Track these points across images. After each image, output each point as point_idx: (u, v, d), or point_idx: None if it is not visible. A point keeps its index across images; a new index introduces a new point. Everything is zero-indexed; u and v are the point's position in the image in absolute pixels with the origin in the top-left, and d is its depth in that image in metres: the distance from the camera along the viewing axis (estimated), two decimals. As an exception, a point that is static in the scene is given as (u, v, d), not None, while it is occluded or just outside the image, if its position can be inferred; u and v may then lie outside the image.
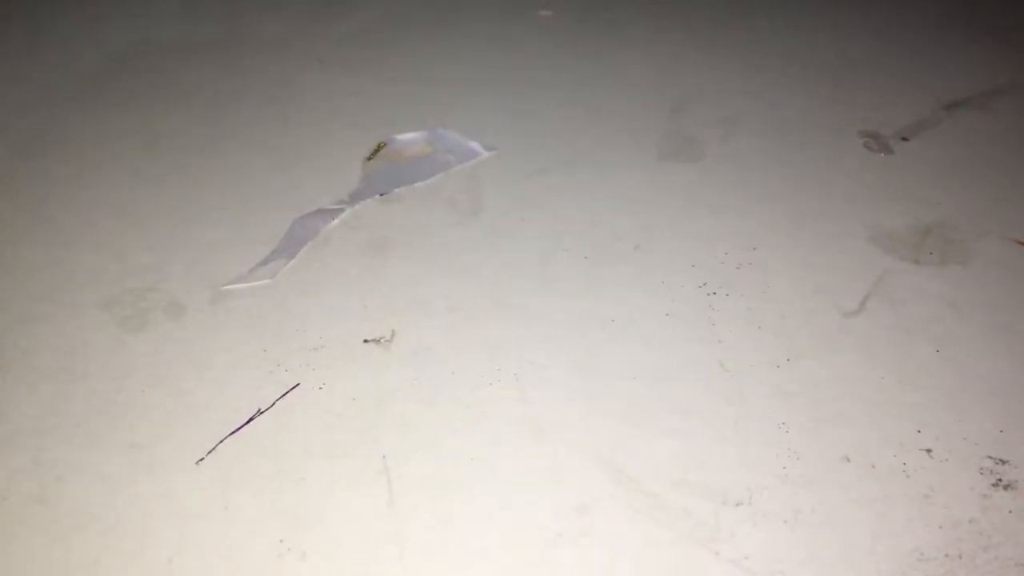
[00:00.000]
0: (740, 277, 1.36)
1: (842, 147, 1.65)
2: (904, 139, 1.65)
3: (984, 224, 1.45)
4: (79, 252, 1.42)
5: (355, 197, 1.53)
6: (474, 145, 1.66)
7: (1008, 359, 1.21)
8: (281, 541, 1.01)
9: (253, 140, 1.69)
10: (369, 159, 1.63)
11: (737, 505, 1.04)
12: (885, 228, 1.45)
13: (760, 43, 2.04)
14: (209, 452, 1.11)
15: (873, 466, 1.08)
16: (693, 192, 1.54)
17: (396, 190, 1.55)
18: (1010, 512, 1.02)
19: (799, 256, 1.40)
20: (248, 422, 1.14)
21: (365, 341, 1.26)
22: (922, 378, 1.19)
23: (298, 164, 1.62)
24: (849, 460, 1.09)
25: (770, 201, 1.52)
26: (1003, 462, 1.08)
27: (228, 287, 1.35)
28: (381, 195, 1.54)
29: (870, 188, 1.54)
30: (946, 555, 0.98)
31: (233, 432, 1.13)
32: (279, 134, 1.71)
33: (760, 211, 1.49)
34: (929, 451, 1.10)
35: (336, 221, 1.48)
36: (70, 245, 1.44)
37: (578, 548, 1.00)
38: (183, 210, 1.51)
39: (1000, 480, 1.06)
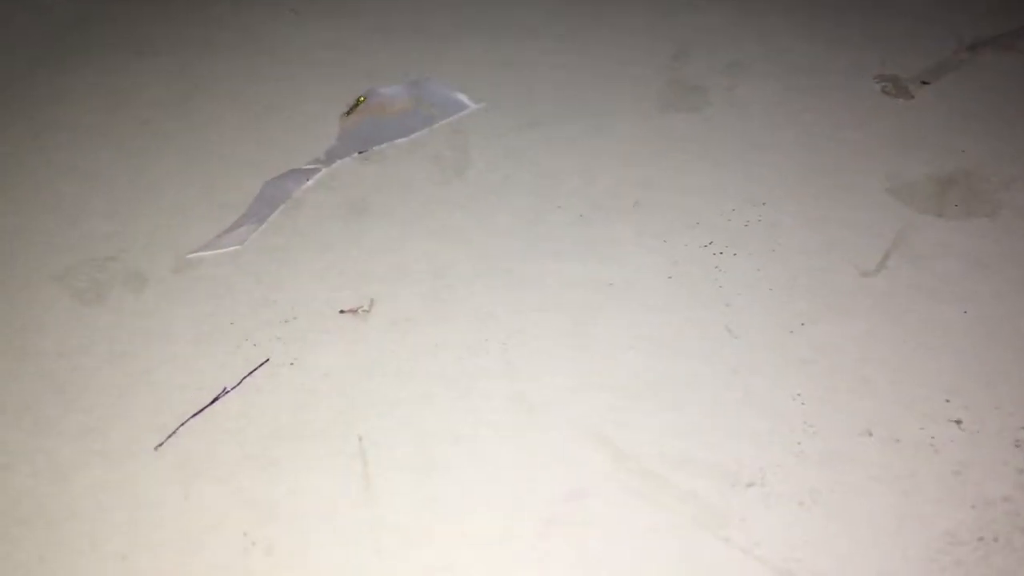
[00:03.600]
0: (748, 235, 1.25)
1: (857, 93, 1.53)
2: (924, 83, 1.54)
3: (1012, 172, 1.34)
4: (32, 219, 1.32)
5: (332, 156, 1.42)
6: (460, 97, 1.55)
7: (1043, 319, 1.11)
8: (245, 534, 0.93)
9: (222, 96, 1.57)
10: (347, 115, 1.52)
11: (748, 486, 0.95)
12: (905, 179, 1.34)
13: (767, -16, 1.91)
14: (169, 436, 1.02)
15: (897, 440, 0.98)
16: (697, 144, 1.43)
17: (376, 147, 1.44)
18: (1050, 489, 0.93)
19: (812, 211, 1.29)
20: (212, 402, 1.05)
21: (341, 312, 1.16)
22: (949, 342, 1.09)
23: (270, 121, 1.51)
24: (871, 434, 0.99)
25: (780, 153, 1.40)
26: (1040, 433, 0.98)
27: (193, 255, 1.25)
28: (360, 153, 1.43)
29: (888, 136, 1.43)
30: (980, 538, 0.89)
31: (196, 413, 1.04)
32: (250, 89, 1.59)
33: (769, 163, 1.38)
34: (959, 422, 1.00)
35: (311, 182, 1.37)
36: (22, 211, 1.34)
37: (571, 536, 0.92)
38: (146, 173, 1.40)
39: (1038, 454, 0.96)
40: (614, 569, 0.89)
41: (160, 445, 1.01)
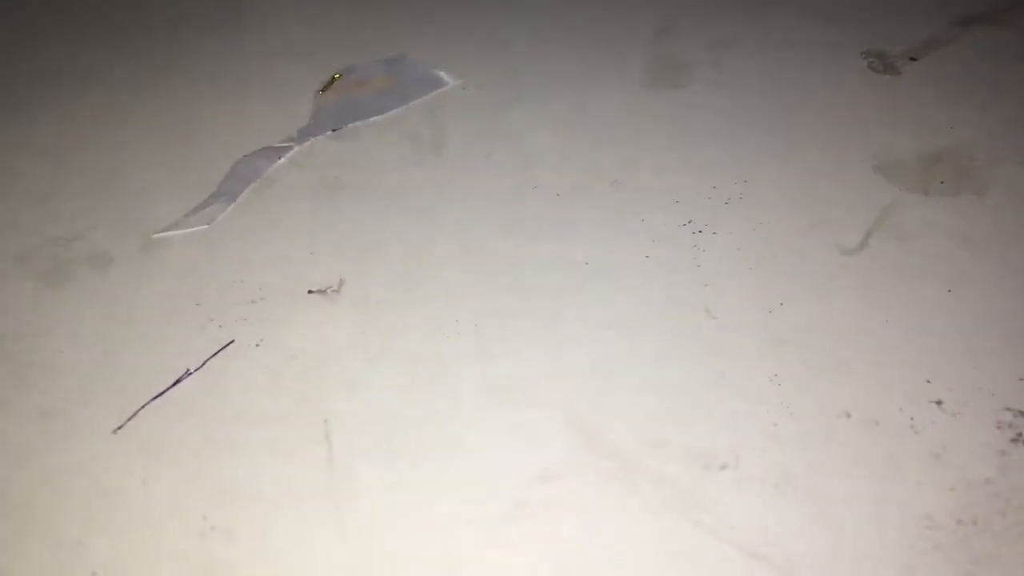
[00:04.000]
0: (729, 213, 1.22)
1: (843, 69, 1.49)
2: (912, 59, 1.50)
3: (999, 150, 1.31)
4: (-4, 199, 1.29)
5: (305, 134, 1.39)
6: (439, 74, 1.51)
7: (1028, 299, 1.08)
8: (204, 518, 0.90)
9: (192, 72, 1.54)
10: (322, 91, 1.49)
11: (722, 468, 0.92)
12: (891, 156, 1.30)
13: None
14: (128, 419, 0.99)
15: (876, 422, 0.96)
16: (678, 121, 1.40)
17: (351, 125, 1.41)
18: (1032, 472, 0.90)
19: (794, 189, 1.26)
20: (174, 384, 1.02)
21: (310, 292, 1.13)
22: (932, 322, 1.06)
23: (242, 98, 1.48)
24: (849, 416, 0.96)
25: (763, 129, 1.37)
26: (1023, 414, 0.95)
27: (160, 235, 1.22)
28: (334, 131, 1.40)
29: (874, 113, 1.39)
30: (959, 521, 0.87)
31: (156, 396, 1.01)
32: (222, 66, 1.56)
33: (752, 140, 1.35)
34: (940, 403, 0.97)
35: (283, 160, 1.34)
36: (-13, 191, 1.30)
37: (541, 520, 0.89)
38: (114, 151, 1.37)
39: (1020, 435, 0.94)
40: (584, 552, 0.86)
41: (119, 428, 0.98)
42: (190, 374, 1.03)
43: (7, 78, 1.53)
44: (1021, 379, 0.99)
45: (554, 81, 1.50)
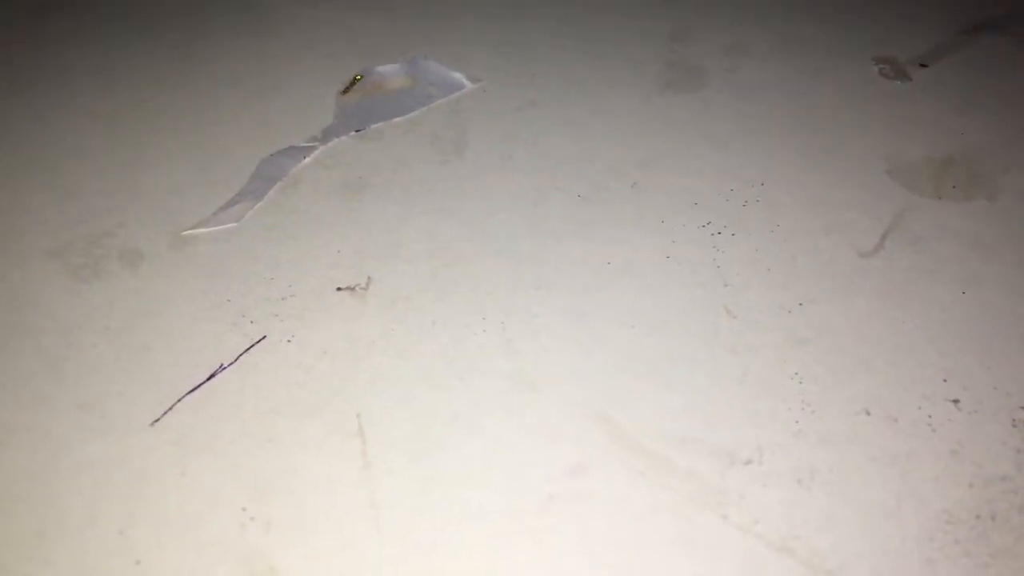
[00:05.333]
0: (747, 215, 1.25)
1: (855, 74, 1.52)
2: (923, 65, 1.53)
3: (1011, 155, 1.34)
4: (28, 195, 1.31)
5: (329, 134, 1.41)
6: (458, 76, 1.53)
7: (1040, 301, 1.11)
8: (244, 510, 0.92)
9: (219, 74, 1.56)
10: (344, 92, 1.51)
11: (746, 464, 0.95)
12: (904, 160, 1.33)
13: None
14: (166, 412, 1.01)
15: (895, 420, 0.98)
16: (695, 125, 1.42)
17: (373, 126, 1.43)
18: (1047, 469, 0.93)
19: (811, 192, 1.28)
20: (209, 379, 1.04)
21: (338, 289, 1.15)
22: (947, 323, 1.09)
23: (267, 99, 1.50)
24: (869, 413, 0.99)
25: (779, 133, 1.40)
26: (1037, 414, 0.98)
27: (189, 232, 1.24)
28: (357, 131, 1.42)
29: (887, 118, 1.42)
30: (977, 516, 0.89)
31: (192, 390, 1.03)
32: (247, 67, 1.58)
33: (768, 144, 1.38)
34: (956, 402, 1.00)
35: (308, 160, 1.36)
36: (18, 188, 1.32)
37: (572, 513, 0.91)
38: (143, 149, 1.39)
39: (1035, 434, 0.96)
40: (614, 545, 0.89)
41: (157, 421, 1.00)
42: (224, 368, 1.05)
43: (40, 78, 1.55)
44: (1035, 379, 1.02)
45: (572, 84, 1.53)
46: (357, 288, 1.15)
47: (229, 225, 1.25)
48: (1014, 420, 0.98)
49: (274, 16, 1.71)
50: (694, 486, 0.93)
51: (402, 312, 1.12)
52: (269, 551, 0.89)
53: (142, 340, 1.10)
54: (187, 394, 1.03)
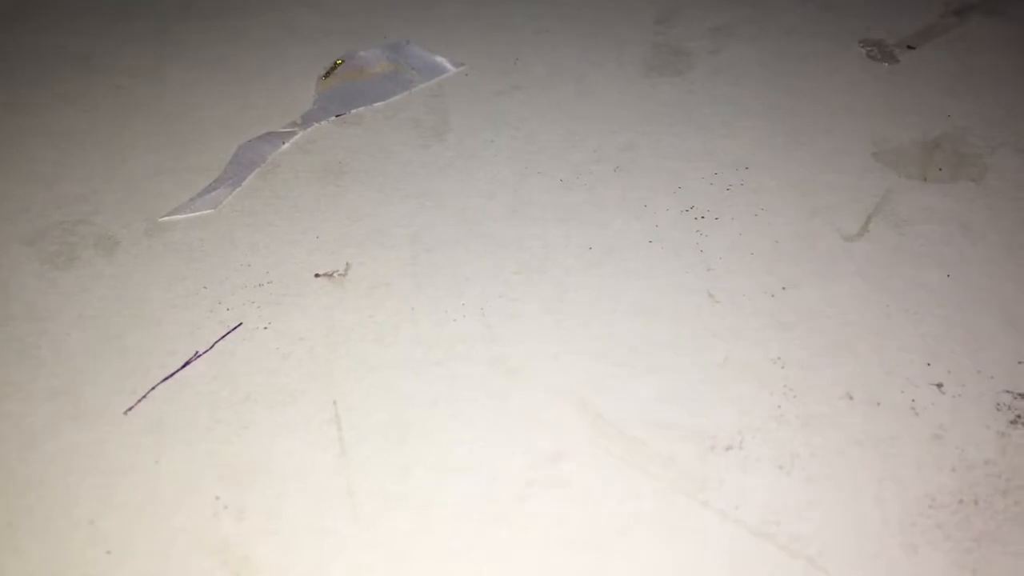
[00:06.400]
0: (731, 199, 1.24)
1: (842, 57, 1.51)
2: (910, 47, 1.52)
3: (998, 136, 1.32)
4: (2, 182, 1.29)
5: (309, 119, 1.39)
6: (440, 60, 1.52)
7: (1026, 284, 1.10)
8: (218, 498, 0.91)
9: (197, 58, 1.54)
10: (325, 77, 1.49)
11: (727, 450, 0.93)
12: (890, 143, 1.32)
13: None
14: (139, 400, 1.00)
15: (878, 404, 0.97)
16: (680, 108, 1.41)
17: (354, 110, 1.41)
18: (1030, 452, 0.92)
19: (795, 175, 1.27)
20: (184, 366, 1.03)
21: (316, 275, 1.14)
22: (931, 306, 1.08)
23: (246, 83, 1.48)
24: (851, 398, 0.98)
25: (764, 117, 1.39)
26: (1021, 397, 0.97)
27: (166, 218, 1.22)
28: (337, 116, 1.40)
29: (873, 100, 1.41)
30: (960, 501, 0.88)
31: (167, 377, 1.02)
32: (226, 52, 1.55)
33: (753, 128, 1.36)
34: (940, 386, 0.99)
35: (287, 145, 1.34)
36: (-8, 175, 1.30)
37: (551, 500, 0.90)
38: (119, 135, 1.37)
39: (1019, 417, 0.95)
40: (594, 532, 0.88)
41: (130, 409, 0.99)
42: (199, 356, 1.04)
43: (15, 64, 1.53)
44: (1020, 362, 1.01)
45: (555, 68, 1.51)
46: (335, 274, 1.14)
47: (206, 211, 1.23)
48: (997, 404, 0.97)
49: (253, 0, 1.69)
50: (674, 471, 0.92)
51: (381, 298, 1.11)
52: (243, 539, 0.88)
53: (117, 328, 1.08)
54: (161, 382, 1.01)
